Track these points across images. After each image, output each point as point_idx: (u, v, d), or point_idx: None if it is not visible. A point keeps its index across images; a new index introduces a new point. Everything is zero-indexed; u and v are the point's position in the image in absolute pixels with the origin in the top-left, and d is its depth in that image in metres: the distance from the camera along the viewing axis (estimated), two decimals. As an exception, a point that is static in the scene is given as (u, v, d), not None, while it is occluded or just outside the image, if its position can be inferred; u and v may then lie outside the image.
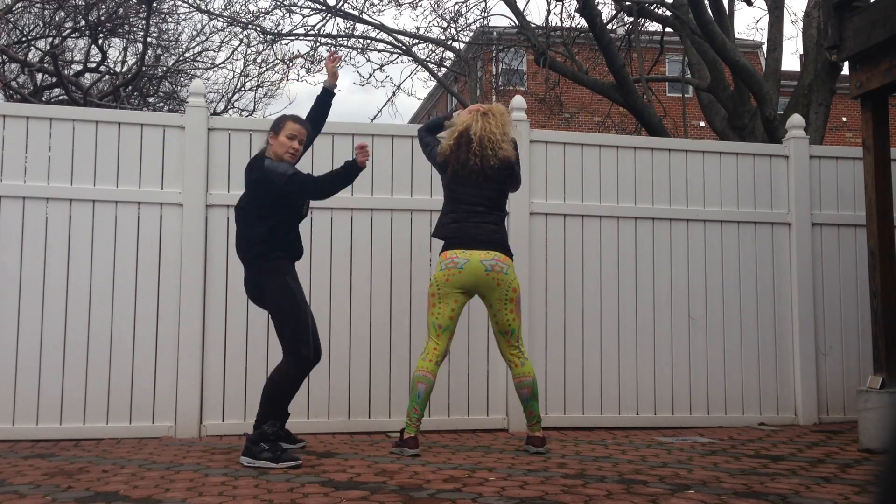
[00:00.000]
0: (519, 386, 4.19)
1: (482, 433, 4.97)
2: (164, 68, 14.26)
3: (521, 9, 11.47)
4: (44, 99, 12.68)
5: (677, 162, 5.60)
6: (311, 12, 13.23)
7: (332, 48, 13.72)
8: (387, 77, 26.67)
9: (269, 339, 4.86)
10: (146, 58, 12.21)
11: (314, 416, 4.92)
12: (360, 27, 13.87)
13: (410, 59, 14.38)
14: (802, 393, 5.52)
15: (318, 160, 5.08)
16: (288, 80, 18.89)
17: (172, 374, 4.79)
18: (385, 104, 16.55)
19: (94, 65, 13.69)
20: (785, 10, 10.59)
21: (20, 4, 11.66)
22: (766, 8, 10.08)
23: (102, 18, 12.08)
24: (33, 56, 13.36)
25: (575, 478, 3.43)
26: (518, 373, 4.18)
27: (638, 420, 5.32)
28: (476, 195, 4.19)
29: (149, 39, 12.06)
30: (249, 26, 13.51)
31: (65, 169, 4.83)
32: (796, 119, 5.88)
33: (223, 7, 14.02)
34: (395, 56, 14.41)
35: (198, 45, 14.64)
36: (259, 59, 14.39)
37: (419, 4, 15.06)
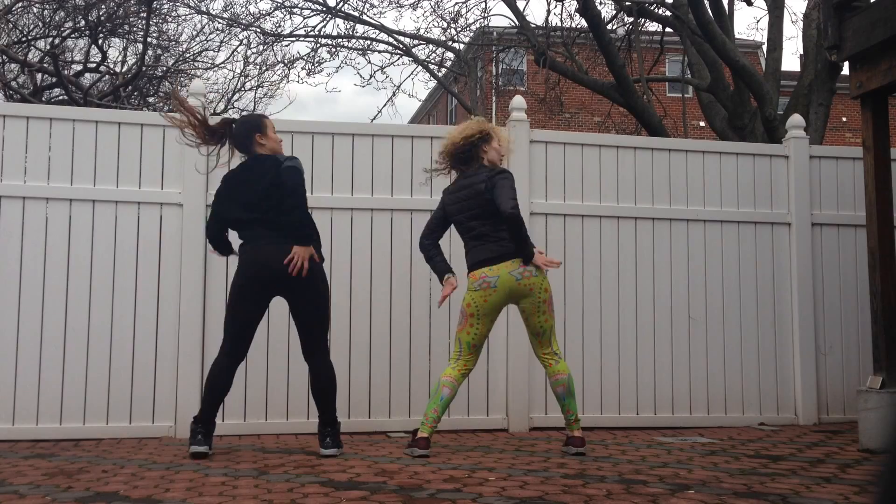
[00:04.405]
0: (554, 384, 4.16)
1: (482, 433, 4.97)
2: (164, 68, 14.26)
3: (521, 9, 11.46)
4: (44, 99, 12.68)
5: (677, 162, 5.60)
6: (312, 13, 13.24)
7: (332, 48, 13.72)
8: (387, 78, 26.67)
9: (268, 340, 4.86)
10: (146, 58, 12.21)
11: (314, 416, 4.90)
12: (360, 28, 13.88)
13: (411, 59, 14.39)
14: (802, 393, 5.52)
15: (318, 160, 5.08)
16: (288, 80, 18.92)
17: (172, 374, 4.79)
18: (385, 104, 16.62)
19: (94, 65, 13.69)
20: (785, 10, 10.59)
21: (20, 4, 11.67)
22: (766, 8, 10.09)
23: (102, 18, 12.08)
24: (33, 56, 13.37)
25: (575, 478, 3.43)
26: (552, 371, 4.15)
27: (638, 420, 5.32)
28: (469, 216, 4.15)
29: (149, 39, 12.06)
30: (250, 28, 13.51)
31: (65, 169, 4.83)
32: (796, 119, 5.88)
33: (223, 8, 14.01)
34: (395, 58, 14.41)
35: (198, 45, 14.66)
36: (259, 60, 14.40)
37: (419, 5, 15.04)
